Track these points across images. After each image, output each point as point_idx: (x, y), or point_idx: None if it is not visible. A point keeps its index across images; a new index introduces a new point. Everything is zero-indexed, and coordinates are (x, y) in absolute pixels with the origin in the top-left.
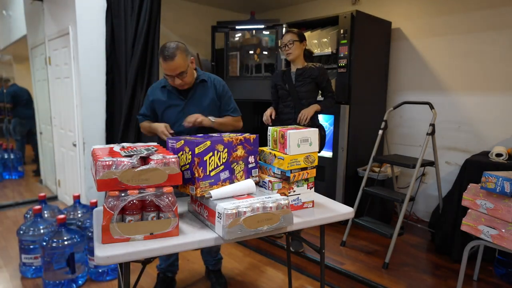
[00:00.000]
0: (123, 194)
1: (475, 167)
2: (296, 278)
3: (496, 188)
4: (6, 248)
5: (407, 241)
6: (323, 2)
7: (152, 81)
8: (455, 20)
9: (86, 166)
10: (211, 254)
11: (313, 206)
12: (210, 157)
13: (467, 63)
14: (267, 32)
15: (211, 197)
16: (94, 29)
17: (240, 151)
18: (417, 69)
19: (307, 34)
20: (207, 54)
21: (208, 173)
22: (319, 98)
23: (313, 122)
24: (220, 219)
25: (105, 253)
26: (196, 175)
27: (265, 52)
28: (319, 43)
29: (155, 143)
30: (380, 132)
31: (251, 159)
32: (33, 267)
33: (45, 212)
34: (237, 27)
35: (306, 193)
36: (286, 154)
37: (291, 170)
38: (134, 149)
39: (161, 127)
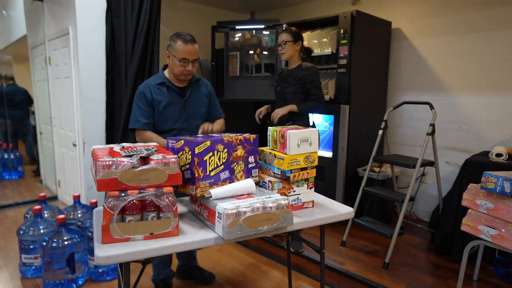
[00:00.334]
0: (123, 194)
1: (475, 167)
2: (296, 278)
3: (496, 188)
4: (6, 248)
5: (407, 241)
6: (323, 2)
7: None
8: (455, 20)
9: (86, 166)
10: (191, 252)
11: (313, 206)
12: (210, 157)
13: (467, 63)
14: (267, 32)
15: (211, 196)
16: (94, 29)
17: (240, 151)
18: (417, 69)
19: (307, 34)
20: (207, 54)
21: (208, 173)
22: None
23: (304, 123)
24: (220, 219)
25: (105, 253)
26: (196, 175)
27: (265, 52)
28: (319, 43)
29: (155, 143)
30: (380, 132)
31: (251, 159)
32: (33, 267)
33: (45, 212)
34: (237, 27)
35: (306, 193)
36: (286, 154)
37: (291, 170)
38: (134, 149)
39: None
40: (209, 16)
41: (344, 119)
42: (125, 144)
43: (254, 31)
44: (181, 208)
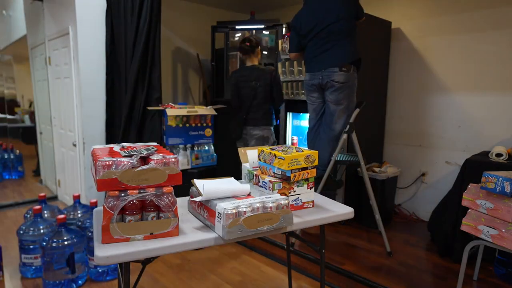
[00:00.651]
0: (123, 194)
1: (475, 167)
2: (296, 278)
3: (496, 188)
4: (6, 248)
5: (407, 241)
6: None
7: (153, 81)
8: (455, 20)
9: (86, 166)
10: None
11: (313, 206)
12: None
13: (467, 63)
14: (267, 32)
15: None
16: (94, 29)
17: None
18: (417, 69)
19: None
20: (207, 54)
21: None
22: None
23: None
24: (220, 219)
25: (105, 253)
26: None
27: (265, 52)
28: None
29: (155, 143)
30: (345, 136)
31: None
32: (33, 267)
33: (45, 212)
34: (237, 27)
35: (306, 193)
36: (286, 154)
37: (291, 170)
38: (134, 149)
39: None
40: (209, 16)
41: None
42: (125, 144)
43: (254, 31)
44: (181, 208)
